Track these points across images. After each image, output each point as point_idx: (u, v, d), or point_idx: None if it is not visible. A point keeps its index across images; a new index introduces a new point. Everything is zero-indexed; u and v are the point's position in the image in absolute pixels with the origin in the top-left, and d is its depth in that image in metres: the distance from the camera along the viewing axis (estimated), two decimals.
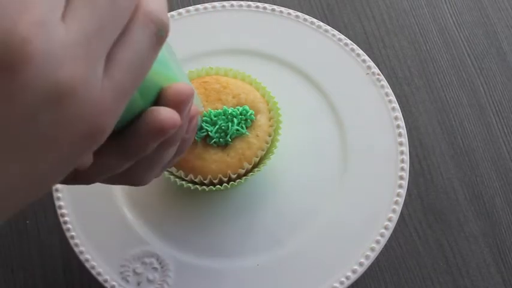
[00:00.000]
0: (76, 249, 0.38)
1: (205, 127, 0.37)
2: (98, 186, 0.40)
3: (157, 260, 0.38)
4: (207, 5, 0.45)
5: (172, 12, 0.45)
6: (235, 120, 0.37)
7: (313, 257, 0.38)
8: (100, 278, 0.38)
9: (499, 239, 0.44)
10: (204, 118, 0.37)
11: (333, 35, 0.44)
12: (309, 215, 0.39)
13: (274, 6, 0.45)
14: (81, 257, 0.38)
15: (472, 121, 0.48)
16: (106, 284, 0.37)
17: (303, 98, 0.43)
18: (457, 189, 0.46)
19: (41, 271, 0.44)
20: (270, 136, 0.38)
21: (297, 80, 0.43)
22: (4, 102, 0.16)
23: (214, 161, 0.37)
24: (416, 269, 0.44)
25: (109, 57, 0.18)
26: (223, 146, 0.37)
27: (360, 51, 0.43)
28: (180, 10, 0.45)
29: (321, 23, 0.44)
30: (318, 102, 0.42)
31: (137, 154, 0.23)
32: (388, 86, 0.42)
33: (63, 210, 0.39)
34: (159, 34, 0.20)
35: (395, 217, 0.38)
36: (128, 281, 0.38)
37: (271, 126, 0.38)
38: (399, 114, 0.41)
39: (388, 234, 0.38)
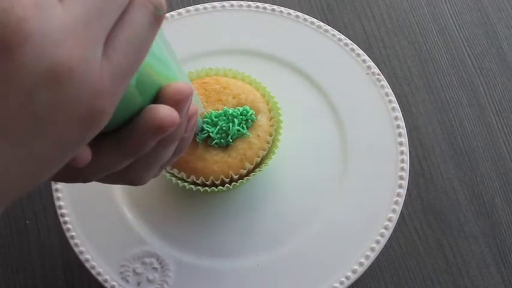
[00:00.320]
0: (76, 249, 0.38)
1: (206, 128, 0.37)
2: (98, 186, 0.40)
3: (157, 260, 0.38)
4: (207, 5, 0.45)
5: (172, 12, 0.45)
6: (236, 120, 0.37)
7: (313, 257, 0.38)
8: (100, 278, 0.38)
9: (499, 239, 0.44)
10: (204, 119, 0.37)
11: (333, 35, 0.44)
12: (309, 215, 0.39)
13: (274, 6, 0.45)
14: (81, 257, 0.38)
15: (472, 121, 0.48)
16: (106, 284, 0.37)
17: (303, 98, 0.43)
18: (457, 189, 0.46)
19: (41, 271, 0.44)
20: (271, 136, 0.38)
21: (297, 80, 0.43)
22: (0, 83, 0.16)
23: (216, 161, 0.37)
24: (416, 269, 0.44)
25: (108, 39, 0.18)
26: (225, 146, 0.37)
27: (360, 51, 0.43)
28: (180, 10, 0.45)
29: (321, 23, 0.44)
30: (318, 102, 0.42)
31: (136, 152, 0.23)
32: (388, 86, 0.42)
33: (63, 210, 0.39)
34: (157, 13, 0.20)
35: (395, 217, 0.38)
36: (127, 281, 0.38)
37: (271, 126, 0.38)
38: (399, 114, 0.41)
39: (388, 234, 0.38)
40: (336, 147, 0.41)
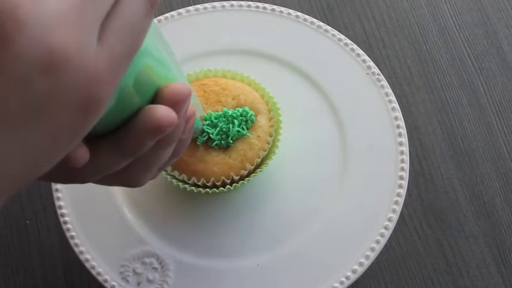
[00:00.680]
0: (76, 249, 0.38)
1: (206, 129, 0.37)
2: (98, 187, 0.40)
3: (157, 260, 0.38)
4: (207, 5, 0.45)
5: (172, 12, 0.45)
6: (235, 121, 0.37)
7: (313, 257, 0.38)
8: (100, 278, 0.38)
9: (499, 239, 0.44)
10: (205, 121, 0.37)
11: (333, 35, 0.44)
12: (309, 215, 0.39)
13: (274, 6, 0.45)
14: (81, 257, 0.38)
15: (472, 121, 0.48)
16: (106, 284, 0.37)
17: (303, 98, 0.42)
18: (457, 189, 0.46)
19: (41, 271, 0.44)
20: (271, 136, 0.38)
21: (297, 80, 0.43)
22: None
23: (216, 163, 0.37)
24: (416, 269, 0.44)
25: (103, 26, 0.18)
26: (225, 148, 0.37)
27: (360, 51, 0.43)
28: (180, 10, 0.45)
29: (321, 23, 0.44)
30: (318, 102, 0.42)
31: (134, 152, 0.22)
32: (388, 86, 0.42)
33: (63, 210, 0.39)
34: (151, 0, 0.19)
35: (395, 217, 0.38)
36: (127, 281, 0.38)
37: (271, 126, 0.38)
38: (399, 114, 0.41)
39: (388, 234, 0.38)
40: (336, 147, 0.41)
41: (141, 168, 0.25)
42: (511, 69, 0.50)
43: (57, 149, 0.18)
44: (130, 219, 0.40)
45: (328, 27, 0.44)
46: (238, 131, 0.37)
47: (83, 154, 0.21)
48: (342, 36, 0.44)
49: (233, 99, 0.38)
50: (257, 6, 0.45)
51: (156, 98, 0.23)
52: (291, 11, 0.44)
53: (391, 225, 0.38)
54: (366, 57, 0.43)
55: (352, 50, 0.43)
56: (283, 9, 0.45)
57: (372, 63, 0.42)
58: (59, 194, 0.39)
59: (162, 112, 0.21)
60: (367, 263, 0.37)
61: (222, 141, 0.37)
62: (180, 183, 0.38)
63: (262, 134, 0.38)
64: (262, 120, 0.38)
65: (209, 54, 0.44)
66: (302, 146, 0.41)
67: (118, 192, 0.40)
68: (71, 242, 0.38)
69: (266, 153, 0.38)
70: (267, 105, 0.39)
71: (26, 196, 0.46)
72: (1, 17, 0.15)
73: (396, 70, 0.50)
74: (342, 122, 0.42)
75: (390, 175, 0.39)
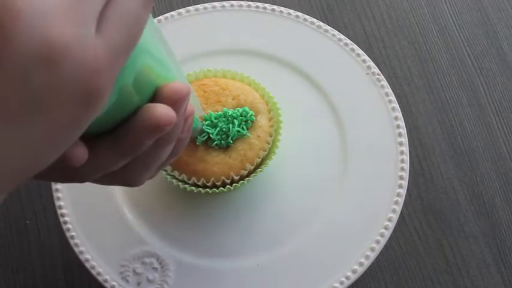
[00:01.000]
0: (76, 249, 0.38)
1: (206, 129, 0.37)
2: (98, 187, 0.40)
3: (157, 260, 0.38)
4: (207, 5, 0.45)
5: (172, 12, 0.45)
6: (235, 121, 0.37)
7: (313, 257, 0.38)
8: (100, 278, 0.38)
9: (499, 239, 0.44)
10: (205, 121, 0.37)
11: (333, 35, 0.44)
12: (309, 215, 0.39)
13: (274, 6, 0.45)
14: (81, 257, 0.38)
15: (472, 121, 0.48)
16: (106, 284, 0.37)
17: (303, 98, 0.42)
18: (457, 189, 0.46)
19: (41, 271, 0.44)
20: (271, 136, 0.38)
21: (297, 80, 0.43)
22: None
23: (216, 163, 0.37)
24: (416, 269, 0.44)
25: (101, 16, 0.18)
26: (225, 148, 0.37)
27: (360, 51, 0.43)
28: (180, 10, 0.45)
29: (321, 23, 0.44)
30: (318, 102, 0.42)
31: (132, 151, 0.22)
32: (388, 86, 0.42)
33: (63, 210, 0.39)
34: None
35: (395, 217, 0.38)
36: (127, 281, 0.38)
37: (271, 126, 0.38)
38: (399, 114, 0.41)
39: (388, 234, 0.38)
40: (336, 147, 0.41)
41: (140, 167, 0.25)
42: (511, 69, 0.50)
43: (57, 143, 0.18)
44: (130, 219, 0.40)
45: (328, 27, 0.44)
46: (238, 131, 0.37)
47: (81, 153, 0.21)
48: (342, 36, 0.44)
49: (233, 99, 0.38)
50: (257, 6, 0.45)
51: (155, 97, 0.22)
52: (291, 11, 0.44)
53: (391, 225, 0.38)
54: (366, 57, 0.43)
55: (352, 50, 0.43)
56: (283, 9, 0.45)
57: (372, 63, 0.42)
58: (59, 194, 0.39)
59: (161, 111, 0.21)
60: (367, 263, 0.37)
61: (222, 141, 0.37)
62: (180, 183, 0.38)
63: (262, 134, 0.38)
64: (262, 120, 0.38)
65: (209, 54, 0.44)
66: (302, 146, 0.41)
67: (118, 192, 0.40)
68: (71, 242, 0.38)
69: (266, 153, 0.38)
70: (267, 105, 0.39)
71: (26, 196, 0.46)
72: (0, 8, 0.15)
73: (396, 70, 0.50)
74: (342, 122, 0.42)
75: (390, 175, 0.39)
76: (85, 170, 0.23)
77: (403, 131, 0.41)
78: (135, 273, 0.38)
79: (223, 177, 0.37)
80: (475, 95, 0.49)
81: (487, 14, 0.52)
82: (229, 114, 0.37)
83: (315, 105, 0.42)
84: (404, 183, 0.39)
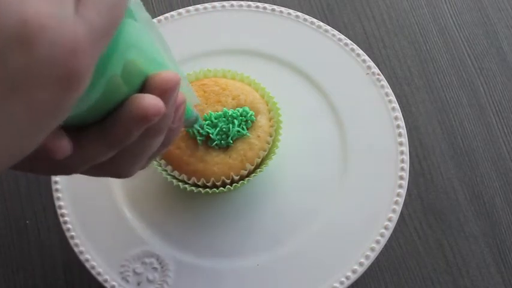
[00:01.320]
0: (76, 249, 0.38)
1: (207, 129, 0.37)
2: (98, 186, 0.40)
3: (157, 260, 0.38)
4: (207, 5, 0.45)
5: (172, 12, 0.45)
6: (235, 121, 0.37)
7: (313, 257, 0.38)
8: (100, 278, 0.38)
9: (499, 239, 0.44)
10: (205, 121, 0.37)
11: (333, 35, 0.44)
12: (309, 215, 0.39)
13: (274, 6, 0.45)
14: (81, 257, 0.38)
15: (472, 121, 0.48)
16: (106, 284, 0.37)
17: (303, 98, 0.43)
18: (457, 189, 0.46)
19: (41, 271, 0.44)
20: (271, 136, 0.38)
21: (297, 80, 0.43)
22: None
23: (216, 163, 0.37)
24: (416, 269, 0.44)
25: None
26: (225, 148, 0.37)
27: (360, 51, 0.43)
28: (180, 10, 0.45)
29: (321, 23, 0.44)
30: (318, 102, 0.42)
31: (120, 142, 0.22)
32: (388, 86, 0.42)
33: (63, 210, 0.39)
34: None
35: (395, 217, 0.38)
36: (128, 281, 0.38)
37: (271, 126, 0.38)
38: (399, 114, 0.41)
39: (388, 234, 0.38)
40: (336, 147, 0.41)
41: (130, 158, 0.24)
42: (511, 69, 0.50)
43: (37, 127, 0.18)
44: (130, 219, 0.40)
45: (328, 27, 0.44)
46: (238, 131, 0.37)
47: (65, 146, 0.21)
48: (342, 36, 0.44)
49: (233, 99, 0.38)
50: (257, 6, 0.45)
51: (145, 87, 0.22)
52: (291, 11, 0.44)
53: (391, 225, 0.38)
54: (366, 57, 0.43)
55: (352, 50, 0.43)
56: (283, 9, 0.45)
57: (372, 63, 0.42)
58: (59, 194, 0.39)
59: (149, 101, 0.21)
60: (367, 263, 0.37)
61: (222, 141, 0.37)
62: (180, 183, 0.38)
63: (262, 134, 0.38)
64: (262, 120, 0.38)
65: (209, 54, 0.44)
66: (302, 146, 0.41)
67: (118, 192, 0.40)
68: (71, 242, 0.38)
69: (266, 153, 0.38)
70: (267, 105, 0.39)
71: (26, 196, 0.46)
72: None
73: (396, 70, 0.50)
74: (342, 122, 0.42)
75: (390, 175, 0.39)
76: (73, 161, 0.22)
77: (403, 131, 0.41)
78: (135, 273, 0.38)
79: (223, 177, 0.37)
80: (475, 95, 0.49)
81: (487, 14, 0.52)
82: (229, 114, 0.37)
83: (315, 105, 0.42)
84: (404, 183, 0.39)
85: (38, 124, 0.17)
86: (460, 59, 0.50)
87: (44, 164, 0.22)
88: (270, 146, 0.38)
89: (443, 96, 0.49)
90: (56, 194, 0.39)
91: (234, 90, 0.39)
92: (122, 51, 0.20)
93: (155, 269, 0.38)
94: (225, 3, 0.45)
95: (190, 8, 0.45)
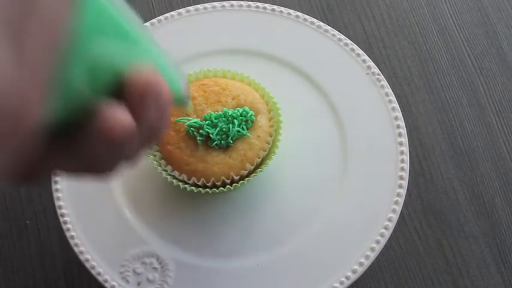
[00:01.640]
0: (76, 249, 0.38)
1: (207, 129, 0.37)
2: (98, 186, 0.40)
3: (157, 260, 0.38)
4: (207, 5, 0.45)
5: (172, 12, 0.45)
6: (235, 121, 0.37)
7: (313, 257, 0.38)
8: (100, 278, 0.38)
9: (499, 239, 0.44)
10: (205, 121, 0.37)
11: (333, 35, 0.44)
12: (309, 215, 0.39)
13: (274, 6, 0.45)
14: (81, 257, 0.38)
15: (472, 121, 0.48)
16: (106, 284, 0.37)
17: (303, 98, 0.43)
18: (457, 189, 0.46)
19: (41, 271, 0.44)
20: (271, 136, 0.38)
21: (297, 80, 0.43)
22: None
23: (216, 163, 0.37)
24: (416, 269, 0.44)
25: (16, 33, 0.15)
26: (225, 148, 0.37)
27: (360, 51, 0.43)
28: (180, 10, 0.45)
29: (321, 23, 0.44)
30: (318, 102, 0.42)
31: (88, 157, 0.19)
32: (388, 86, 0.42)
33: (63, 210, 0.39)
34: None
35: (395, 217, 0.38)
36: (128, 281, 0.38)
37: (271, 126, 0.38)
38: (399, 114, 0.41)
39: (388, 234, 0.38)
40: (336, 147, 0.41)
41: (105, 163, 0.20)
42: (511, 69, 0.50)
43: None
44: (130, 219, 0.40)
45: (328, 27, 0.44)
46: (238, 131, 0.37)
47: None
48: (342, 36, 0.44)
49: (233, 99, 0.38)
50: (257, 6, 0.45)
51: (117, 87, 0.19)
52: (291, 11, 0.44)
53: (391, 225, 0.38)
54: (366, 57, 0.43)
55: (352, 50, 0.43)
56: (283, 9, 0.45)
57: (372, 63, 0.42)
58: (59, 194, 0.39)
59: (115, 120, 0.18)
60: (367, 263, 0.37)
61: (222, 141, 0.37)
62: (180, 183, 0.38)
63: (262, 134, 0.38)
64: (262, 120, 0.38)
65: (209, 54, 0.44)
66: (302, 146, 0.41)
67: (118, 193, 0.40)
68: (71, 242, 0.38)
69: (266, 153, 0.38)
70: (267, 105, 0.39)
71: (26, 196, 0.46)
72: None
73: (396, 70, 0.50)
74: (342, 122, 0.42)
75: (390, 175, 0.39)
76: (36, 171, 0.19)
77: (403, 131, 0.41)
78: (135, 273, 0.38)
79: (223, 177, 0.37)
80: (475, 95, 0.49)
81: (487, 14, 0.52)
82: (229, 114, 0.37)
83: (315, 105, 0.42)
84: (404, 183, 0.39)
85: None
86: (460, 59, 0.50)
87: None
88: (270, 146, 0.38)
89: (443, 96, 0.49)
90: (56, 194, 0.39)
91: (234, 90, 0.39)
92: (82, 48, 0.17)
93: (155, 269, 0.38)
94: (225, 3, 0.45)
95: (190, 8, 0.45)
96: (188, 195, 0.40)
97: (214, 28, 0.44)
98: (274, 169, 0.41)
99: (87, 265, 0.38)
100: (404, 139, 0.40)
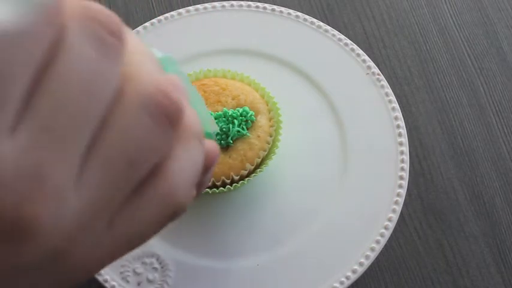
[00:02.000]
0: None
1: None
2: None
3: (157, 260, 0.38)
4: (207, 5, 0.45)
5: (172, 12, 0.45)
6: (235, 121, 0.37)
7: (313, 257, 0.38)
8: (100, 278, 0.38)
9: (499, 239, 0.44)
10: None
11: (333, 35, 0.44)
12: (309, 215, 0.39)
13: (274, 6, 0.45)
14: None
15: (472, 121, 0.48)
16: (106, 284, 0.37)
17: (303, 98, 0.43)
18: (457, 189, 0.46)
19: None
20: (271, 136, 0.38)
21: (297, 80, 0.43)
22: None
23: (216, 163, 0.37)
24: (416, 269, 0.44)
25: (110, 221, 0.16)
26: (225, 148, 0.37)
27: (360, 51, 0.43)
28: (180, 10, 0.45)
29: (321, 23, 0.44)
30: (318, 102, 0.42)
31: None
32: (388, 86, 0.42)
33: None
34: (174, 217, 0.18)
35: (395, 217, 0.38)
36: (128, 281, 0.38)
37: (271, 126, 0.38)
38: (399, 114, 0.41)
39: (388, 234, 0.38)
40: (336, 147, 0.41)
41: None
42: (511, 69, 0.50)
43: None
44: None
45: (328, 27, 0.44)
46: (238, 131, 0.37)
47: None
48: (342, 36, 0.44)
49: (233, 99, 0.38)
50: (257, 6, 0.45)
51: None
52: (291, 11, 0.44)
53: (391, 225, 0.38)
54: (366, 57, 0.43)
55: (352, 50, 0.43)
56: (283, 9, 0.45)
57: (372, 63, 0.42)
58: None
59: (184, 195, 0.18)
60: (367, 263, 0.37)
61: (222, 141, 0.37)
62: None
63: (262, 134, 0.38)
64: (262, 120, 0.38)
65: (209, 54, 0.44)
66: (302, 146, 0.41)
67: None
68: None
69: (266, 153, 0.38)
70: (267, 105, 0.39)
71: None
72: (17, 227, 0.13)
73: (396, 70, 0.50)
74: (342, 122, 0.42)
75: (390, 175, 0.39)
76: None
77: (403, 131, 0.41)
78: (135, 273, 0.38)
79: (223, 177, 0.37)
80: (475, 95, 0.49)
81: (487, 14, 0.52)
82: (229, 114, 0.37)
83: (315, 105, 0.42)
84: (404, 183, 0.39)
85: None
86: (460, 59, 0.50)
87: None
88: (270, 146, 0.38)
89: (443, 96, 0.49)
90: None
91: (234, 90, 0.39)
92: None
93: (155, 269, 0.38)
94: (225, 3, 0.45)
95: (190, 8, 0.45)
96: None
97: (214, 28, 0.44)
98: (274, 169, 0.41)
99: None
100: (404, 139, 0.40)
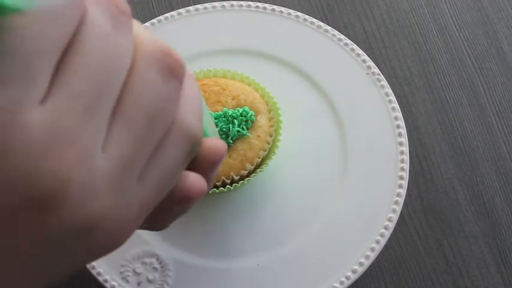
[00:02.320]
0: None
1: None
2: None
3: (157, 260, 0.38)
4: (207, 5, 0.45)
5: (172, 12, 0.45)
6: (235, 121, 0.37)
7: (313, 257, 0.38)
8: (100, 278, 0.38)
9: (499, 239, 0.44)
10: None
11: (333, 35, 0.44)
12: (309, 215, 0.39)
13: (274, 6, 0.45)
14: None
15: (472, 121, 0.48)
16: (106, 284, 0.37)
17: (303, 98, 0.42)
18: (457, 189, 0.46)
19: None
20: (271, 136, 0.38)
21: (297, 80, 0.43)
22: (31, 233, 0.15)
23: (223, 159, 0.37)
24: (416, 269, 0.44)
25: (140, 176, 0.17)
26: None
27: (360, 51, 0.43)
28: (180, 10, 0.45)
29: (321, 23, 0.44)
30: (318, 102, 0.42)
31: (162, 217, 0.21)
32: (388, 86, 0.42)
33: None
34: (192, 151, 0.19)
35: (395, 217, 0.38)
36: (128, 281, 0.38)
37: (271, 126, 0.38)
38: (399, 114, 0.41)
39: (388, 234, 0.38)
40: (336, 147, 0.41)
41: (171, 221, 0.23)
42: (511, 69, 0.50)
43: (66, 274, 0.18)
44: None
45: (328, 27, 0.44)
46: (238, 131, 0.37)
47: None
48: (342, 36, 0.44)
49: (233, 99, 0.38)
50: (257, 6, 0.45)
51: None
52: (291, 11, 0.44)
53: (391, 225, 0.38)
54: (366, 57, 0.43)
55: (352, 50, 0.43)
56: (283, 9, 0.45)
57: (372, 63, 0.42)
58: None
59: (192, 183, 0.20)
60: (367, 263, 0.37)
61: None
62: None
63: (262, 134, 0.38)
64: (262, 120, 0.38)
65: (209, 54, 0.44)
66: (302, 146, 0.41)
67: None
68: None
69: (266, 153, 0.38)
70: (267, 105, 0.39)
71: None
72: (48, 191, 0.14)
73: (396, 70, 0.50)
74: (342, 122, 0.42)
75: (390, 175, 0.39)
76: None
77: (403, 131, 0.41)
78: (135, 273, 0.38)
79: (223, 177, 0.37)
80: (475, 95, 0.49)
81: (487, 14, 0.52)
82: (229, 114, 0.37)
83: (315, 105, 0.42)
84: (404, 183, 0.39)
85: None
86: (460, 59, 0.50)
87: None
88: (270, 146, 0.38)
89: (443, 96, 0.49)
90: None
91: (234, 90, 0.39)
92: None
93: (155, 269, 0.38)
94: (225, 3, 0.45)
95: (190, 8, 0.45)
96: None
97: (214, 28, 0.44)
98: (274, 169, 0.41)
99: (88, 265, 0.38)
100: (404, 139, 0.40)
